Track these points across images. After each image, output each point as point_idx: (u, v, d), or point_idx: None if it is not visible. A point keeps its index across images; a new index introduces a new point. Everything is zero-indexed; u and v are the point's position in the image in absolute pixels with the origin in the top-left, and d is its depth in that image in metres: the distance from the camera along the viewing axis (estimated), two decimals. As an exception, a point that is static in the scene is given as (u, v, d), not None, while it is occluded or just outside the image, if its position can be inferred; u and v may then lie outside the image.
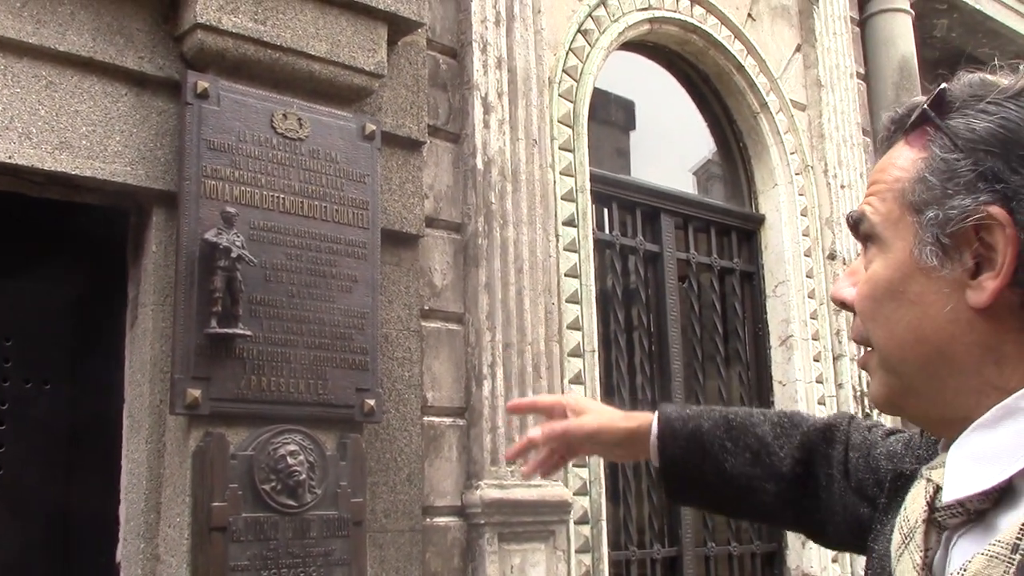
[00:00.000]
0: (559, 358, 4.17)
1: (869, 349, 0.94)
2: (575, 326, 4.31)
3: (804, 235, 5.60)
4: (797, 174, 5.64)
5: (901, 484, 1.00)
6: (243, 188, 3.09)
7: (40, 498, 3.19)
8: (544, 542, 3.90)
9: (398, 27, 3.59)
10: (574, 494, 4.06)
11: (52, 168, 2.89)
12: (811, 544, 5.10)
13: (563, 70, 4.55)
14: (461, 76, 4.10)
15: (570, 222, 4.39)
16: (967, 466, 0.84)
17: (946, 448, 0.89)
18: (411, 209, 3.66)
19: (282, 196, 3.18)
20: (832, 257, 5.62)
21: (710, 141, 5.75)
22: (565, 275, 4.32)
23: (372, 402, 3.27)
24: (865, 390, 5.50)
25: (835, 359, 5.56)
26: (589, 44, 4.70)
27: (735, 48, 5.44)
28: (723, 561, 5.16)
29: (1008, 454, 0.81)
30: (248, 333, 2.99)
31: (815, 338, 5.49)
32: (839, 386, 5.52)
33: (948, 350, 0.86)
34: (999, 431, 0.82)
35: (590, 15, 4.72)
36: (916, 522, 0.90)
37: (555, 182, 4.36)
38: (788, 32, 5.88)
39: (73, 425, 3.27)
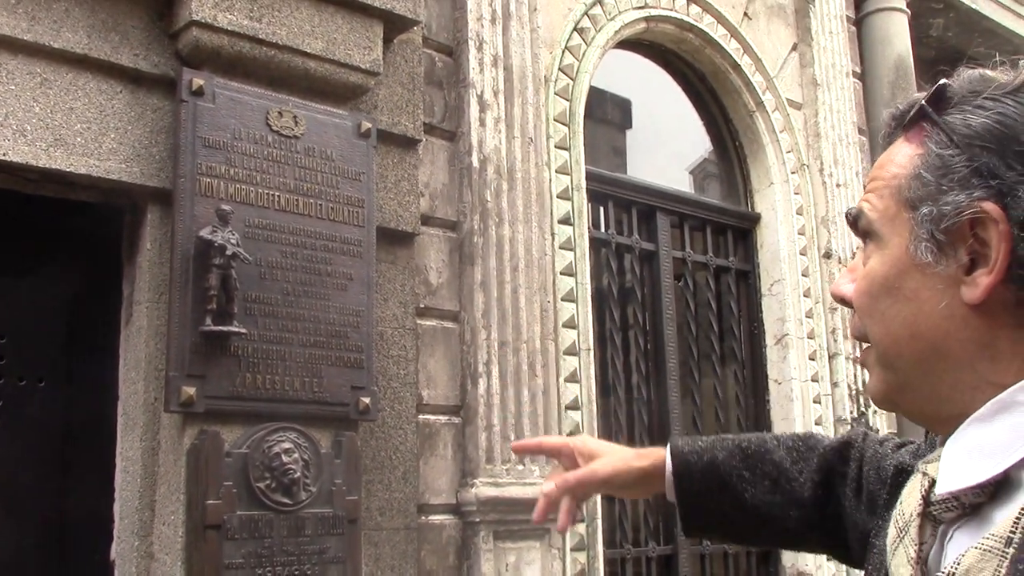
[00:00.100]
0: (555, 356, 4.17)
1: (867, 345, 0.95)
2: (571, 324, 4.31)
3: (800, 234, 5.60)
4: (793, 173, 5.64)
5: (901, 480, 1.01)
6: (238, 186, 3.09)
7: (34, 496, 3.18)
8: (539, 540, 3.90)
9: (394, 25, 3.58)
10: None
11: (47, 165, 2.88)
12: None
13: (559, 68, 4.55)
14: (457, 74, 4.09)
15: (566, 220, 4.39)
16: (962, 460, 0.84)
17: (944, 444, 0.89)
18: (407, 207, 3.66)
19: (277, 194, 3.17)
20: (828, 256, 5.63)
21: (706, 140, 5.75)
22: (561, 273, 4.31)
23: (367, 400, 3.27)
24: (861, 389, 5.51)
25: (830, 358, 5.56)
26: (585, 42, 4.70)
27: (731, 47, 5.44)
28: (719, 559, 5.17)
29: (1003, 448, 0.81)
30: (243, 331, 2.98)
31: (810, 336, 5.49)
32: (834, 384, 5.53)
33: (943, 346, 0.86)
34: (994, 425, 0.82)
35: (586, 13, 4.72)
36: (911, 516, 0.90)
37: (551, 180, 4.36)
38: (784, 31, 5.88)
39: (67, 423, 3.27)
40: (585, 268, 4.43)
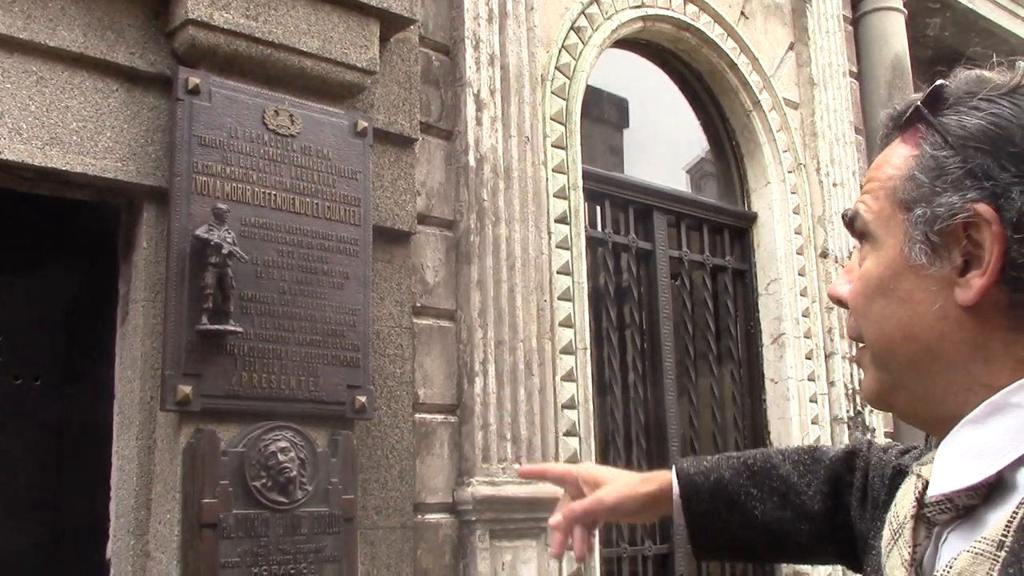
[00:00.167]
0: (551, 355, 4.17)
1: (862, 345, 0.95)
2: (567, 323, 4.31)
3: (796, 233, 5.60)
4: (790, 172, 5.64)
5: (898, 482, 1.01)
6: (234, 184, 3.09)
7: (30, 495, 3.18)
8: (536, 539, 3.90)
9: (390, 24, 3.58)
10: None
11: (42, 164, 2.88)
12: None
13: (556, 67, 4.55)
14: (454, 73, 4.09)
15: (562, 219, 4.39)
16: (955, 461, 0.84)
17: (938, 446, 0.90)
18: (403, 206, 3.66)
19: (274, 192, 3.17)
20: (824, 255, 5.63)
21: (703, 139, 5.75)
22: (557, 272, 4.32)
23: (363, 399, 3.27)
24: (857, 388, 5.52)
25: (827, 357, 5.56)
26: (582, 41, 4.70)
27: (728, 46, 5.45)
28: (715, 558, 5.17)
29: (996, 450, 0.81)
30: (239, 330, 2.98)
31: (807, 336, 5.50)
32: (831, 384, 5.53)
33: (937, 347, 0.86)
34: (988, 427, 0.82)
35: (583, 12, 4.72)
36: (905, 518, 0.90)
37: (547, 179, 4.36)
38: (781, 30, 5.89)
39: (63, 422, 3.27)
40: (581, 267, 4.43)
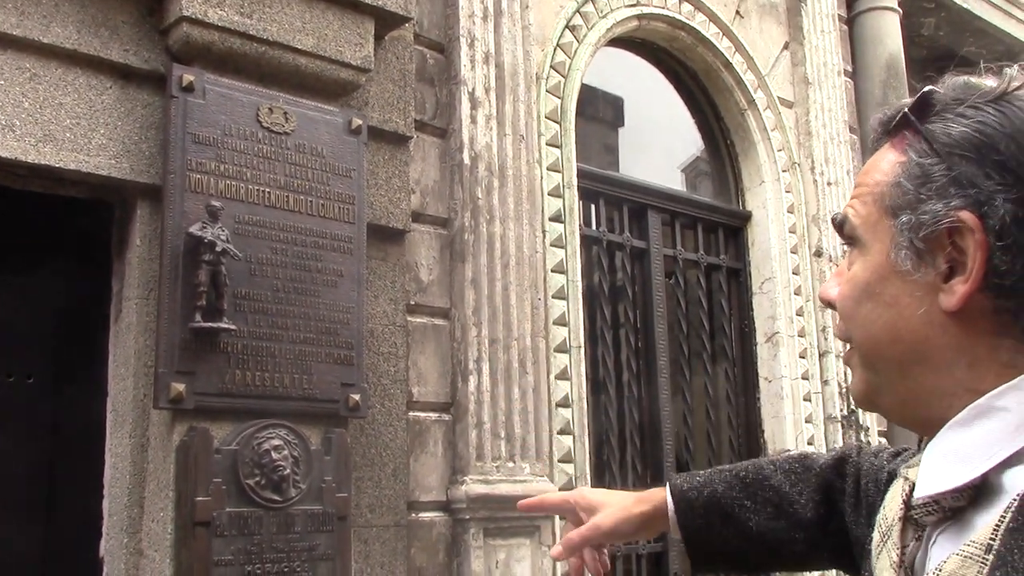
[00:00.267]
0: (545, 354, 4.17)
1: (850, 346, 0.96)
2: (561, 322, 4.31)
3: (791, 232, 5.61)
4: (784, 171, 5.65)
5: (890, 486, 1.02)
6: (228, 182, 3.08)
7: (23, 492, 3.17)
8: (529, 537, 3.90)
9: (385, 21, 3.58)
10: (559, 489, 4.07)
11: (35, 161, 2.87)
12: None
13: (551, 66, 4.55)
14: (448, 71, 4.09)
15: (557, 218, 4.39)
16: (940, 464, 0.85)
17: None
18: (397, 204, 3.66)
19: (267, 190, 3.17)
20: (818, 254, 5.64)
21: (698, 138, 5.76)
22: (552, 271, 4.32)
23: (357, 397, 3.27)
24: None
25: (821, 356, 5.57)
26: (577, 40, 4.70)
27: (723, 45, 5.45)
28: (708, 557, 5.17)
29: (981, 452, 0.82)
30: (233, 327, 2.98)
31: (801, 335, 5.51)
32: (824, 383, 5.54)
33: (922, 351, 0.87)
34: (973, 430, 0.83)
35: (578, 11, 4.72)
36: (893, 520, 0.91)
37: (542, 178, 4.35)
38: (776, 29, 5.89)
39: (56, 419, 3.26)
40: (576, 266, 4.43)
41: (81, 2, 2.98)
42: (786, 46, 5.92)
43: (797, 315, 5.50)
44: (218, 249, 2.94)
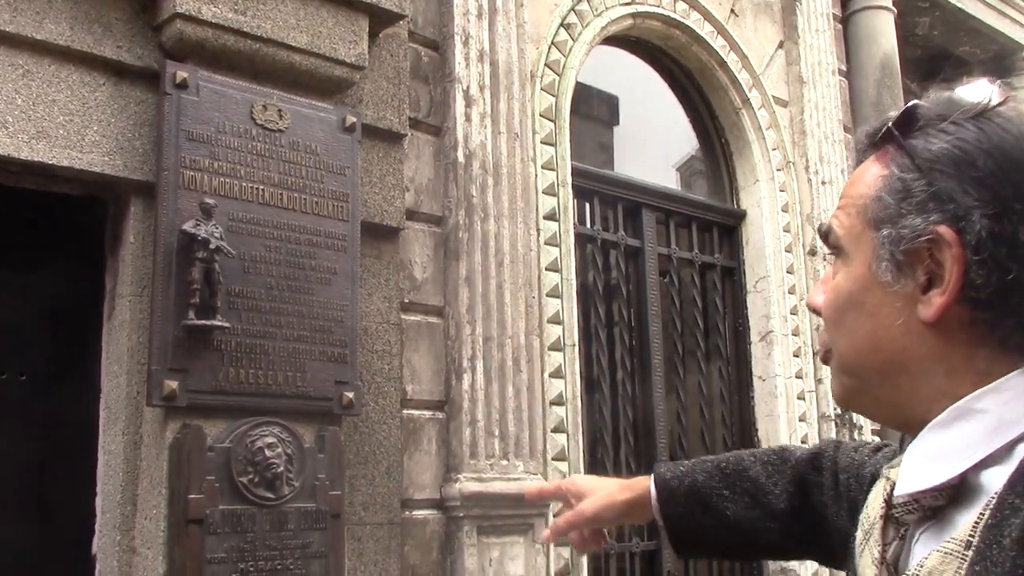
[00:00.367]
0: (539, 352, 4.17)
1: (829, 351, 0.99)
2: (556, 320, 4.31)
3: (785, 231, 5.62)
4: (778, 170, 5.66)
5: (874, 485, 1.05)
6: (222, 179, 3.08)
7: (15, 490, 3.17)
8: (523, 535, 3.90)
9: (380, 19, 3.57)
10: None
11: (28, 158, 2.87)
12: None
13: (545, 64, 4.55)
14: (443, 69, 4.09)
15: (551, 216, 4.39)
16: (920, 464, 0.88)
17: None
18: (391, 202, 3.66)
19: (261, 188, 3.16)
20: (813, 253, 5.65)
21: (693, 137, 5.76)
22: (546, 269, 4.32)
23: (351, 395, 3.27)
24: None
25: (815, 354, 5.57)
26: (572, 38, 4.70)
27: (718, 44, 5.45)
28: (702, 555, 5.18)
29: (959, 453, 0.84)
30: (226, 325, 2.97)
31: (795, 334, 5.51)
32: (818, 381, 5.55)
33: (901, 359, 0.90)
34: (952, 431, 0.86)
35: (573, 9, 4.72)
36: (875, 518, 0.95)
37: (536, 176, 4.36)
38: (771, 28, 5.90)
39: (49, 417, 3.25)
40: (570, 264, 4.43)
41: (74, -1, 2.98)
42: (781, 45, 5.93)
43: (791, 314, 5.51)
44: (212, 246, 2.93)
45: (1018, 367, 0.85)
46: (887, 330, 0.90)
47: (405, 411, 3.69)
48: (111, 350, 3.11)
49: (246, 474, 2.97)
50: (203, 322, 2.92)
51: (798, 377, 5.46)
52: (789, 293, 5.53)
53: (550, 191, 4.41)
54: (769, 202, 5.60)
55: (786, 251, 5.58)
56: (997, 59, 8.06)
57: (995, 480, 0.82)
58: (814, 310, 1.01)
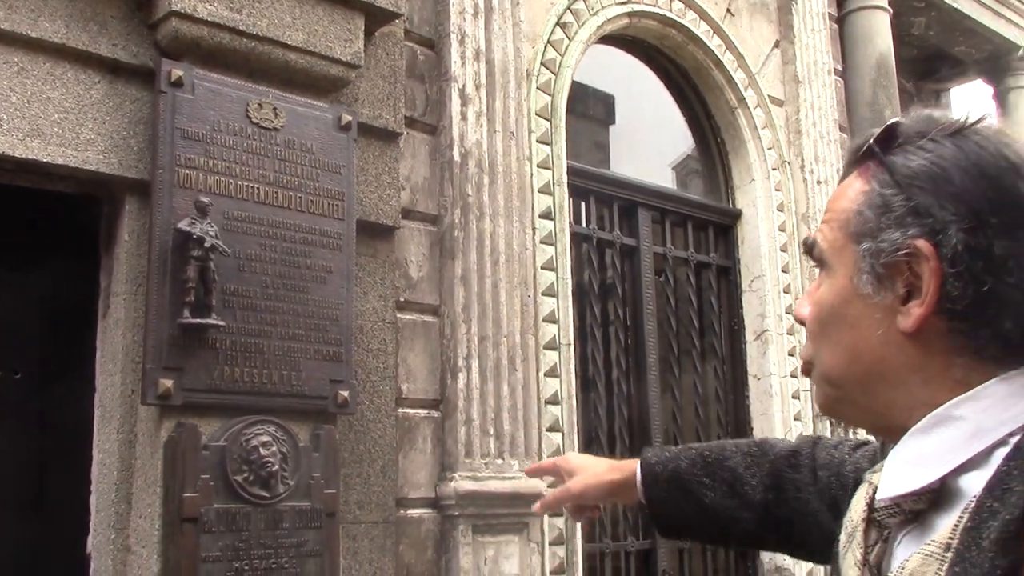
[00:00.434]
0: (535, 351, 4.17)
1: (809, 362, 1.02)
2: (551, 319, 4.31)
3: (780, 230, 5.62)
4: (774, 169, 5.66)
5: (857, 489, 1.08)
6: (217, 178, 3.07)
7: (9, 488, 3.16)
8: (518, 534, 3.91)
9: (375, 17, 3.57)
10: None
11: (23, 155, 2.86)
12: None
13: (541, 63, 4.55)
14: (439, 67, 4.09)
15: (547, 215, 4.40)
16: (900, 469, 0.91)
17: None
18: (387, 200, 3.65)
19: (257, 186, 3.16)
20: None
21: (689, 136, 5.76)
22: (541, 268, 4.32)
23: (346, 393, 3.27)
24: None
25: (810, 354, 5.57)
26: (568, 37, 4.70)
27: (713, 43, 5.46)
28: (697, 554, 5.19)
29: (939, 458, 0.87)
30: (221, 323, 2.97)
31: (790, 333, 5.52)
32: (813, 381, 5.54)
33: (881, 369, 0.93)
34: (932, 437, 0.89)
35: (569, 8, 4.72)
36: (857, 521, 0.97)
37: (532, 175, 4.36)
38: (767, 28, 5.90)
39: (44, 415, 3.25)
40: (566, 263, 4.44)
41: (69, -4, 2.97)
42: (776, 44, 5.93)
43: (786, 313, 5.51)
44: (207, 245, 2.93)
45: (994, 376, 0.88)
46: (868, 340, 0.93)
47: (400, 410, 3.69)
48: (106, 348, 3.11)
49: (241, 473, 2.97)
50: (198, 320, 2.92)
51: (793, 376, 5.47)
52: (784, 292, 5.54)
53: (546, 190, 4.41)
54: (764, 201, 5.60)
55: (781, 250, 5.59)
56: (992, 59, 8.08)
57: (974, 484, 0.84)
58: (800, 321, 1.04)
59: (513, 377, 3.99)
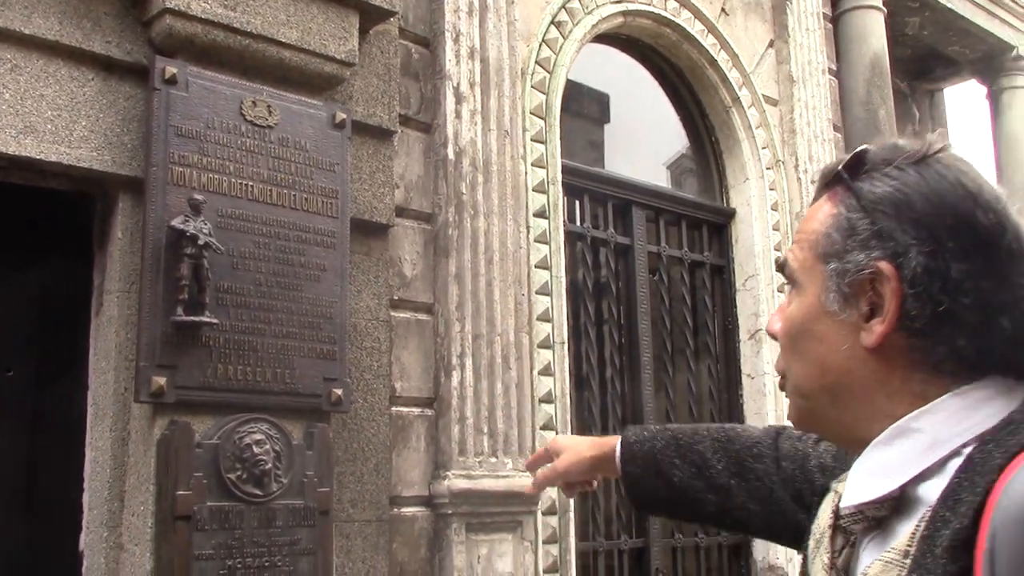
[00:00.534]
0: (528, 349, 4.18)
1: (785, 377, 1.09)
2: (545, 318, 4.31)
3: (774, 229, 5.63)
4: (768, 169, 5.67)
5: (824, 498, 1.15)
6: (211, 175, 3.07)
7: (2, 486, 3.16)
8: (511, 532, 3.91)
9: (370, 15, 3.57)
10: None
11: (16, 153, 2.85)
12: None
13: (536, 61, 4.55)
14: (433, 66, 4.08)
15: (541, 214, 4.40)
16: (863, 478, 0.97)
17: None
18: (381, 198, 3.65)
19: (250, 184, 3.16)
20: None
21: (683, 135, 5.77)
22: (535, 267, 4.32)
23: (340, 392, 3.26)
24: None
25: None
26: (562, 36, 4.70)
27: (708, 42, 5.46)
28: (690, 552, 5.20)
29: (898, 468, 0.94)
30: (215, 321, 2.97)
31: (784, 332, 5.52)
32: (807, 380, 5.55)
33: (847, 382, 0.99)
34: (892, 448, 0.95)
35: (564, 7, 4.72)
36: (825, 528, 1.04)
37: (527, 173, 4.36)
38: (761, 27, 5.91)
39: (37, 413, 3.25)
40: (560, 262, 4.44)
41: (63, -7, 2.96)
42: (771, 44, 5.94)
43: (780, 312, 5.51)
44: (200, 242, 2.93)
45: (950, 390, 0.94)
46: (835, 355, 0.99)
47: (394, 408, 3.69)
48: (99, 346, 3.10)
49: (234, 471, 2.97)
50: (191, 318, 2.92)
51: (787, 375, 5.47)
52: (778, 291, 5.54)
53: (540, 188, 4.41)
54: (759, 200, 5.61)
55: (775, 249, 5.60)
56: (986, 59, 8.09)
57: (930, 493, 0.91)
58: (772, 336, 1.10)
59: (507, 375, 4.00)
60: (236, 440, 2.99)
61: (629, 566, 4.81)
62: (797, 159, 5.76)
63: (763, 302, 5.48)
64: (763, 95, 5.73)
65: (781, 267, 1.09)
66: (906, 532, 0.91)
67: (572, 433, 4.36)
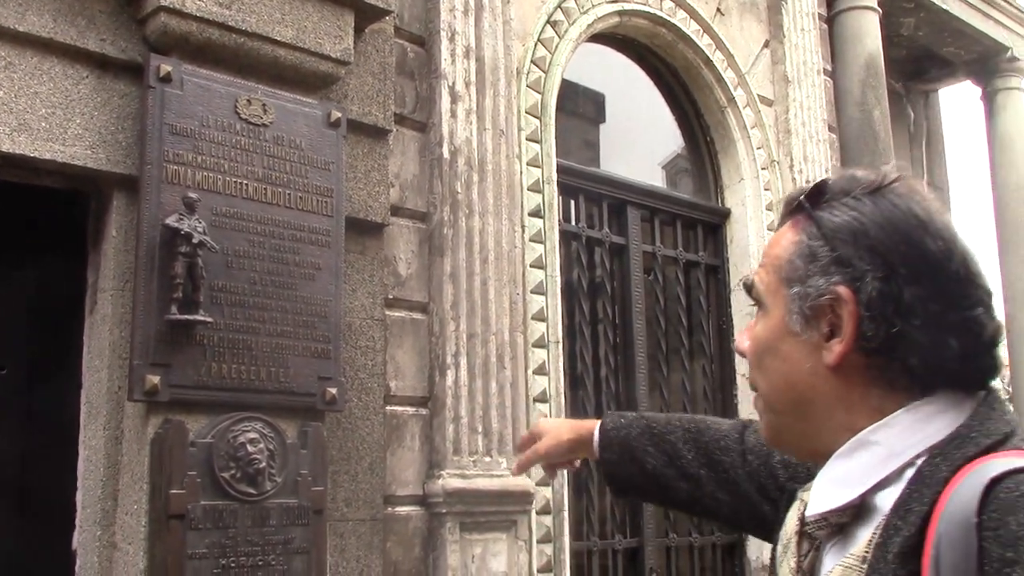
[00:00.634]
0: (523, 349, 4.18)
1: (757, 394, 1.15)
2: (540, 317, 4.31)
3: (769, 229, 5.62)
4: (763, 169, 5.67)
5: (792, 503, 1.22)
6: (205, 173, 3.06)
7: (-5, 484, 3.15)
8: (506, 532, 3.91)
9: (365, 14, 3.57)
10: (536, 484, 4.07)
11: (10, 151, 2.84)
12: (771, 536, 5.15)
13: (531, 61, 4.55)
14: (429, 65, 4.08)
15: (536, 213, 4.40)
16: (827, 488, 1.04)
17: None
18: (376, 197, 3.65)
19: (245, 182, 3.15)
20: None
21: (679, 135, 5.77)
22: (530, 266, 4.32)
23: (334, 390, 3.26)
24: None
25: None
26: (558, 35, 4.70)
27: (703, 42, 5.46)
28: (684, 552, 5.20)
29: (858, 478, 1.01)
30: (209, 320, 2.96)
31: (778, 332, 5.52)
32: (801, 380, 5.56)
33: (810, 397, 1.05)
34: (852, 460, 1.02)
35: (559, 6, 4.72)
36: (791, 534, 1.11)
37: (522, 173, 4.36)
38: (756, 27, 5.91)
39: (31, 411, 3.24)
40: (555, 261, 4.44)
41: (58, -10, 2.95)
42: (766, 44, 5.94)
43: (775, 312, 5.52)
44: (195, 241, 2.92)
45: (904, 405, 1.01)
46: (798, 373, 1.06)
47: (388, 407, 3.69)
48: (93, 344, 3.09)
49: (228, 469, 2.96)
50: (185, 317, 2.91)
51: (781, 375, 5.47)
52: (773, 291, 5.54)
53: (535, 188, 4.42)
54: (753, 201, 5.62)
55: (770, 250, 5.59)
56: (981, 60, 8.11)
57: (887, 501, 0.98)
58: (740, 354, 1.16)
59: (501, 375, 4.00)
60: (230, 439, 2.98)
61: (623, 565, 4.82)
62: (792, 159, 5.77)
63: (758, 302, 5.48)
64: (758, 95, 5.74)
65: (748, 289, 1.15)
66: (864, 539, 0.98)
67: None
